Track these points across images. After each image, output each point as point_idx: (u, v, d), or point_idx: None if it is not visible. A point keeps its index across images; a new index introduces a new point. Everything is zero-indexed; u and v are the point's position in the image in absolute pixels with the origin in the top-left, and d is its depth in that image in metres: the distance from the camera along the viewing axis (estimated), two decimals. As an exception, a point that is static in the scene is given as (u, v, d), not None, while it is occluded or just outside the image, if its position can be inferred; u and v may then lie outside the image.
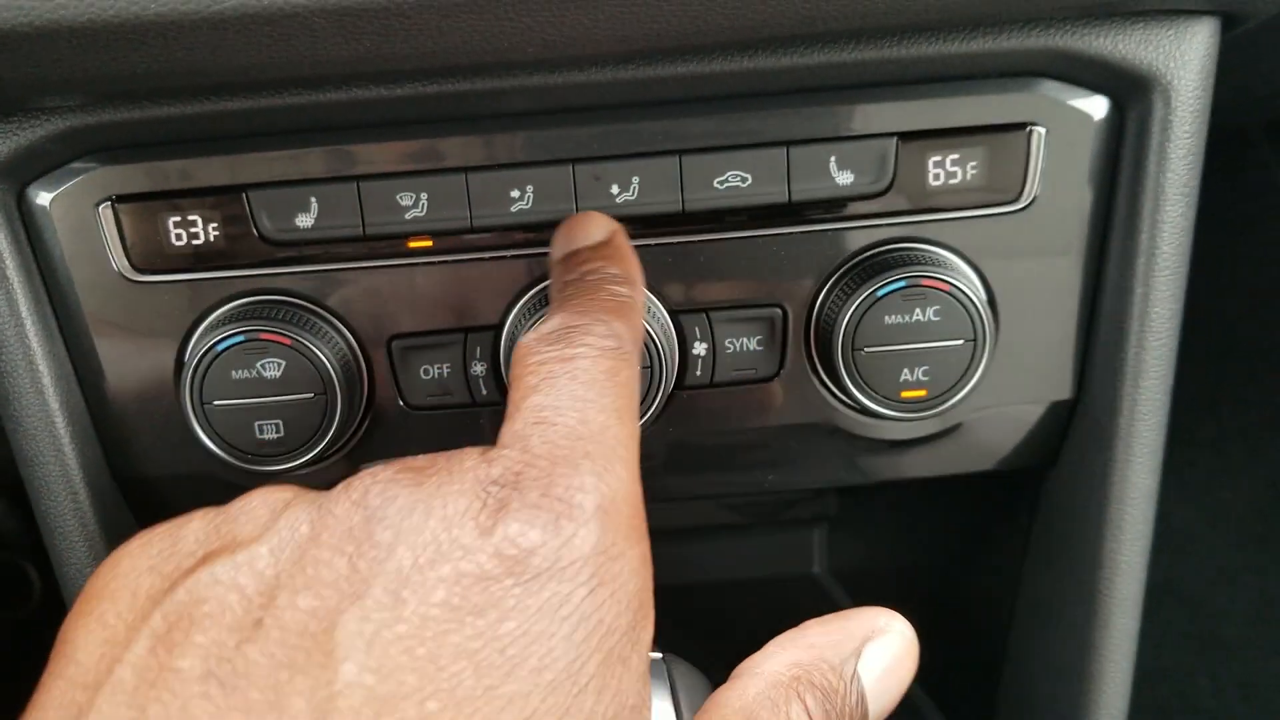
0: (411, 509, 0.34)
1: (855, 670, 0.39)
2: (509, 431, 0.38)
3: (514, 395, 0.41)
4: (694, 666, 0.51)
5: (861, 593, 1.03)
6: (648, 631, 0.36)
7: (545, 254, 0.61)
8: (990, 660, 0.77)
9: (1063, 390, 0.65)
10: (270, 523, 0.36)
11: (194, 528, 0.37)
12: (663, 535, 1.14)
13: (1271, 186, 1.15)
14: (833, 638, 0.40)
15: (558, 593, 0.33)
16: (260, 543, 0.35)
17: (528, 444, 0.37)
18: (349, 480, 0.37)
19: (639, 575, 0.35)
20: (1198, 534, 1.44)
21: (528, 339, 0.43)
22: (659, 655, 0.51)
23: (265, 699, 0.31)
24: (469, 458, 0.37)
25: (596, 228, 0.54)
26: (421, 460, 0.38)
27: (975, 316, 0.59)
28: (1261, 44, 0.65)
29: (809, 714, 0.37)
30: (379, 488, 0.35)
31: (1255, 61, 0.71)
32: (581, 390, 0.39)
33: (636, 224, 0.60)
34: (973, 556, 0.81)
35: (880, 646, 0.40)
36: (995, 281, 0.62)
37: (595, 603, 0.33)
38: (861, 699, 0.39)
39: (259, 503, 0.37)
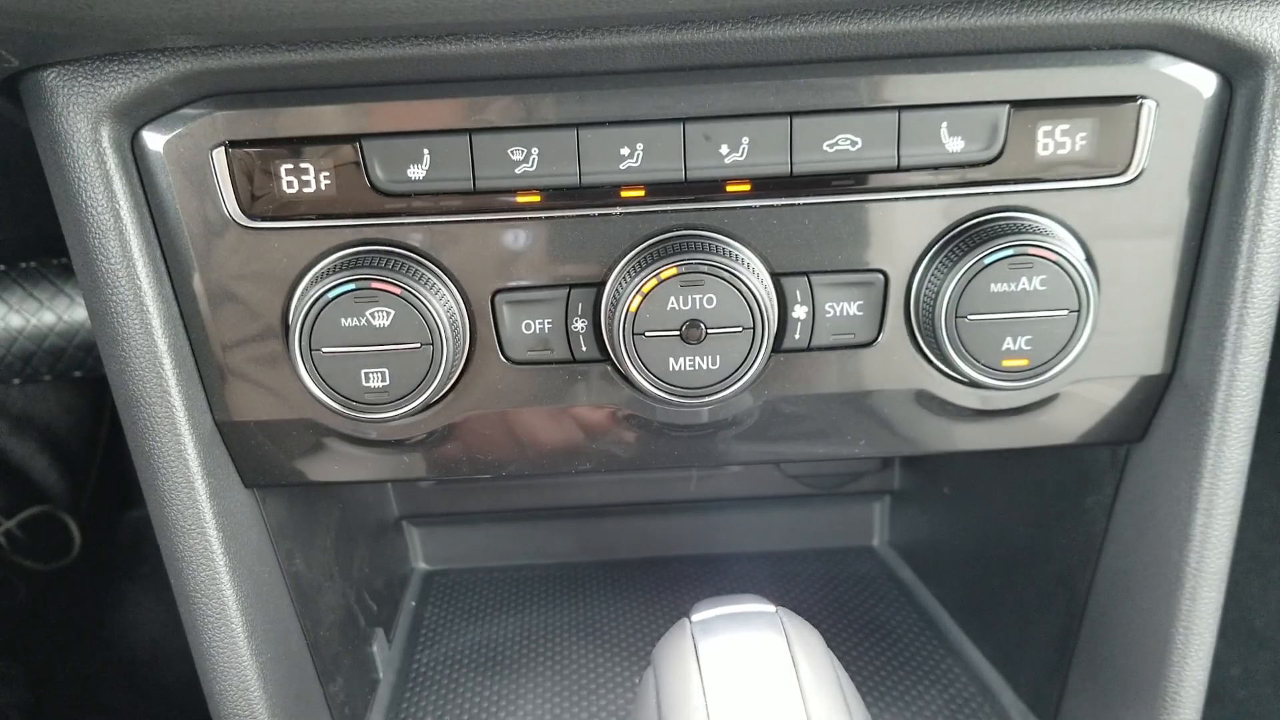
0: None
1: None
2: None
3: None
4: (805, 620, 0.52)
5: (922, 564, 1.04)
6: None
7: (650, 212, 0.61)
8: (1064, 632, 0.78)
9: (1157, 365, 0.65)
10: None
11: None
12: (725, 504, 1.15)
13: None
14: None
15: None
16: None
17: None
18: None
19: None
20: (1232, 524, 1.44)
21: None
22: (774, 609, 0.51)
23: None
24: None
25: None
26: None
27: (1081, 287, 0.60)
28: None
29: None
30: None
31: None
32: None
33: (743, 185, 0.60)
34: (1049, 529, 0.81)
35: None
36: (1098, 253, 0.62)
37: None
38: None
39: None
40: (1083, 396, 0.66)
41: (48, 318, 1.19)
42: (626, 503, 1.13)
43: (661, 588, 1.01)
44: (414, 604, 1.07)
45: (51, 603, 1.52)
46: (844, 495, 1.08)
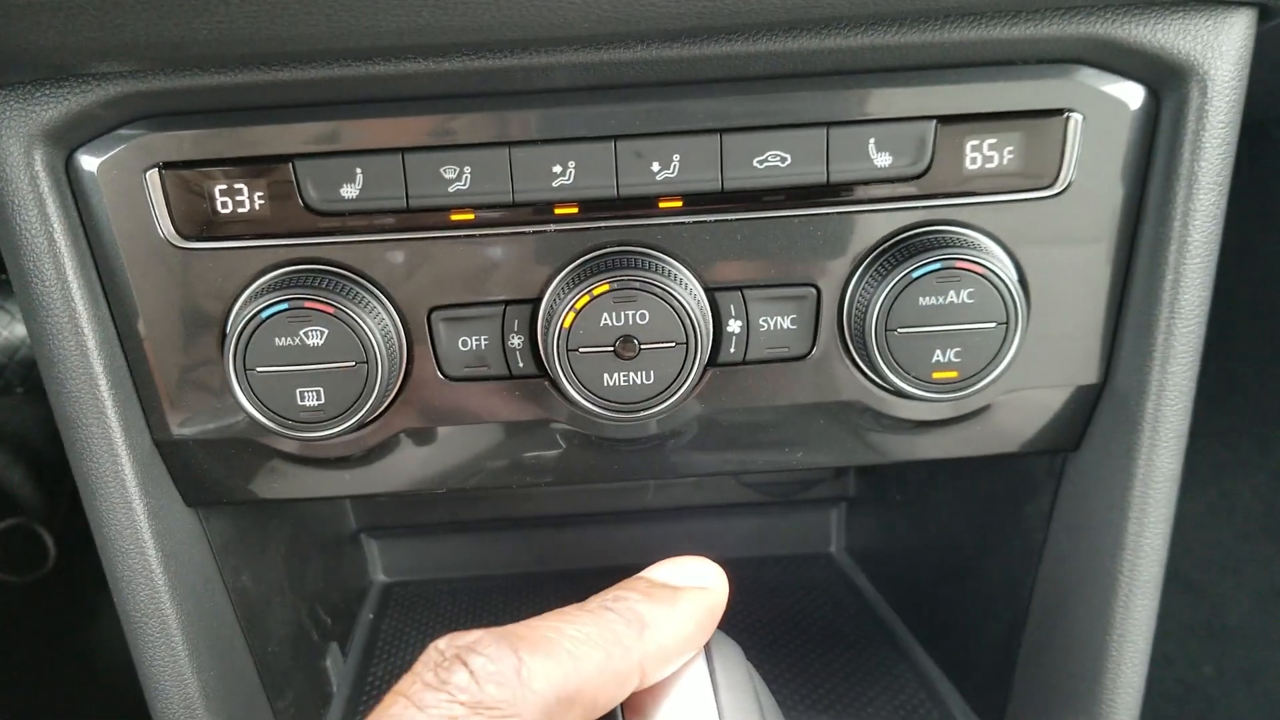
0: None
1: None
2: None
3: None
4: (728, 635, 0.52)
5: (877, 571, 1.05)
6: None
7: (584, 229, 0.62)
8: (1008, 639, 0.79)
9: (1089, 375, 0.66)
10: None
11: None
12: (682, 512, 1.15)
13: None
14: None
15: None
16: None
17: None
18: None
19: None
20: (1205, 523, 1.45)
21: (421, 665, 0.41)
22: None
23: None
24: None
25: (687, 573, 0.50)
26: None
27: (1008, 300, 0.60)
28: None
29: None
30: None
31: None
32: None
33: (675, 201, 0.61)
34: (992, 537, 0.82)
35: None
36: (1028, 265, 0.62)
37: None
38: None
39: None
40: (1017, 407, 0.67)
41: (20, 330, 1.19)
42: (585, 513, 1.13)
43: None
44: (371, 616, 1.07)
45: (26, 615, 1.52)
46: (801, 502, 1.09)
